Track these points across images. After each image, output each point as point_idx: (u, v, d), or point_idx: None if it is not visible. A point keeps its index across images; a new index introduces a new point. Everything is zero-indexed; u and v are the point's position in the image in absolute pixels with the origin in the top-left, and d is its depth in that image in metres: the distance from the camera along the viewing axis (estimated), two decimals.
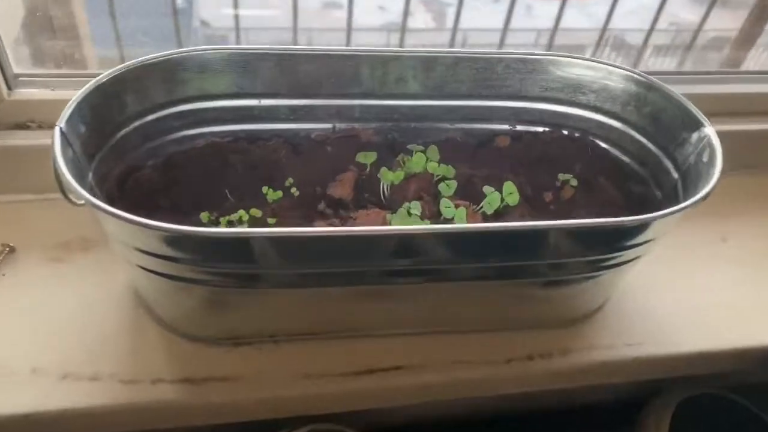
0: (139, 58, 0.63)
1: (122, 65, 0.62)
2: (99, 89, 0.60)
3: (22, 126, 0.77)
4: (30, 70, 0.79)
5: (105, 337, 0.66)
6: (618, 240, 0.58)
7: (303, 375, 0.65)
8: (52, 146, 0.54)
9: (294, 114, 0.73)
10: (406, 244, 0.54)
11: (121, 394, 0.62)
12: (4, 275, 0.70)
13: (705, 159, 0.64)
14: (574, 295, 0.68)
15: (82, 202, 0.51)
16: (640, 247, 0.60)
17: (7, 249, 0.71)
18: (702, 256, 0.83)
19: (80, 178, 0.58)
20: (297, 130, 0.74)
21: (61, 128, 0.56)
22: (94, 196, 0.60)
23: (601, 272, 0.63)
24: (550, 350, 0.70)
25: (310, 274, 0.57)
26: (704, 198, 0.57)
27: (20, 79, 0.78)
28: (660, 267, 0.78)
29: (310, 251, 0.54)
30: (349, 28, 0.84)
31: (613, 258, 0.61)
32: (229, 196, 0.69)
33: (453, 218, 0.65)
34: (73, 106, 0.58)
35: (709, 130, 0.65)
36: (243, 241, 0.52)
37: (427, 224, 0.64)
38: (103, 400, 0.62)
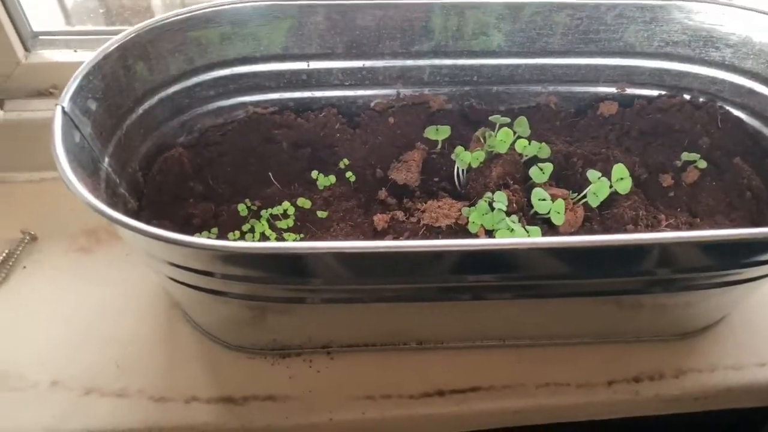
0: (159, 16, 0.51)
1: (139, 25, 0.50)
2: (110, 57, 0.49)
3: (43, 93, 0.68)
4: (49, 28, 0.68)
5: (134, 344, 0.57)
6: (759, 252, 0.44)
7: (362, 395, 0.55)
8: (51, 131, 0.44)
9: (350, 78, 0.60)
10: (493, 257, 0.42)
11: (150, 415, 0.53)
12: (24, 268, 0.62)
13: None
14: (691, 304, 0.54)
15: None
16: None
17: (28, 237, 0.62)
18: None
19: (91, 168, 0.48)
20: (353, 98, 0.61)
21: (63, 108, 0.45)
22: (111, 185, 0.50)
23: (728, 287, 0.49)
24: (660, 370, 0.57)
25: (370, 290, 0.46)
26: None
27: (40, 38, 0.68)
28: None
29: (369, 267, 0.42)
30: None
31: (747, 272, 0.47)
32: (273, 179, 0.57)
33: (548, 213, 0.52)
34: (78, 79, 0.47)
35: None
36: (282, 258, 0.40)
37: (512, 222, 0.50)
38: (130, 421, 0.53)
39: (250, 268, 0.42)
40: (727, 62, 0.59)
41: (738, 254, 0.44)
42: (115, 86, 0.50)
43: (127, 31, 0.50)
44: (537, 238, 0.45)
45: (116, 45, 0.49)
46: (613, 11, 0.56)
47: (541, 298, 0.49)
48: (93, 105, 0.48)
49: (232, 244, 0.39)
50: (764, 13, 0.55)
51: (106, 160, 0.51)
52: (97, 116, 0.49)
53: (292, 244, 0.44)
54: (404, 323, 0.54)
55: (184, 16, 0.51)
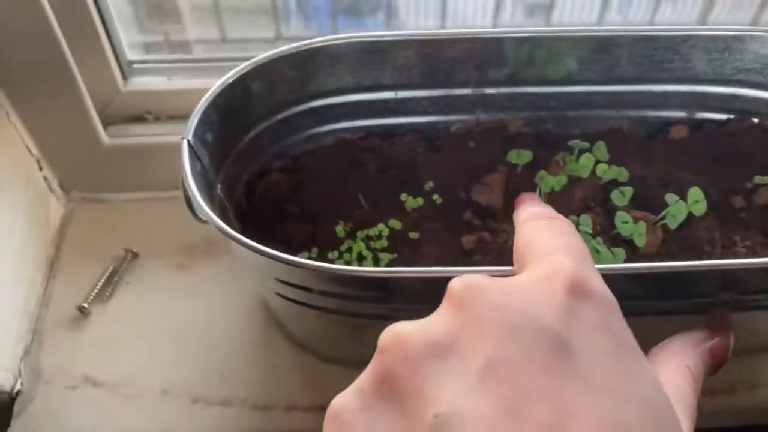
0: (267, 53, 0.55)
1: (250, 61, 0.54)
2: (225, 91, 0.53)
3: (138, 118, 0.72)
4: (144, 56, 0.73)
5: (236, 356, 0.61)
6: None
7: None
8: (180, 162, 0.48)
9: (433, 106, 0.64)
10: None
11: (254, 422, 0.57)
12: (128, 284, 0.66)
13: None
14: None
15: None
16: None
17: (131, 255, 0.67)
18: None
19: (209, 193, 0.52)
20: (434, 123, 0.65)
21: (188, 141, 0.49)
22: (223, 209, 0.54)
23: None
24: (734, 385, 0.60)
25: None
26: None
27: (135, 66, 0.73)
28: None
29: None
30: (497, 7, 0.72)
31: None
32: (363, 202, 0.61)
33: (631, 235, 0.55)
34: (199, 114, 0.51)
35: None
36: (397, 281, 0.44)
37: (598, 245, 0.54)
38: (236, 428, 0.57)
39: (349, 287, 0.46)
40: None
41: None
42: (227, 118, 0.54)
43: (240, 67, 0.54)
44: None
45: (231, 80, 0.54)
46: (688, 42, 0.59)
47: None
48: (210, 137, 0.53)
49: (343, 268, 0.44)
50: None
51: (219, 186, 0.55)
52: (213, 147, 0.53)
53: (396, 270, 0.48)
54: None
55: (290, 51, 0.55)
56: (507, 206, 0.61)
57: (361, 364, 0.58)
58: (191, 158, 0.49)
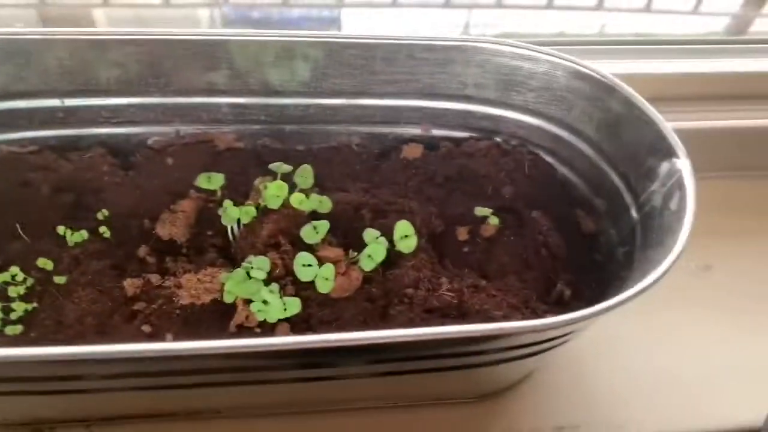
0: None
1: None
2: None
3: None
4: None
5: None
6: (521, 342, 0.40)
7: None
8: None
9: (118, 116, 0.53)
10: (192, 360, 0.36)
11: None
12: None
13: (672, 206, 0.45)
14: (485, 373, 0.50)
15: None
16: (560, 339, 0.42)
17: None
18: (676, 296, 0.62)
19: None
20: (126, 135, 0.55)
21: None
22: None
23: (510, 362, 0.45)
24: (463, 430, 0.54)
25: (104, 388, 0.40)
26: (642, 292, 0.38)
27: None
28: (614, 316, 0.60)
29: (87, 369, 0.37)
30: None
31: (520, 352, 0.43)
32: (21, 232, 0.50)
33: (314, 281, 0.47)
34: None
35: (683, 164, 0.45)
36: None
37: (270, 292, 0.45)
38: None
39: None
40: (530, 107, 0.55)
41: (506, 341, 0.40)
42: None
43: None
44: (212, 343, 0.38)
45: None
46: (403, 52, 0.51)
47: (303, 382, 0.44)
48: None
49: None
50: (559, 57, 0.51)
51: None
52: None
53: None
54: (164, 401, 0.49)
55: None
56: (193, 240, 0.52)
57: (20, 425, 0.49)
58: None
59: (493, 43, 0.51)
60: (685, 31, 0.78)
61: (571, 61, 0.51)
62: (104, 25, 0.66)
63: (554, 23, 0.75)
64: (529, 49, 0.51)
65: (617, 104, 0.50)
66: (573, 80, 0.52)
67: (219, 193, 0.53)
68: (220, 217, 0.52)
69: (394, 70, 0.53)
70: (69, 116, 0.52)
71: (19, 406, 0.48)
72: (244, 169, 0.56)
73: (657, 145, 0.48)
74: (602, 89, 0.51)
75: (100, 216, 0.52)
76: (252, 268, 0.46)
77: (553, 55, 0.51)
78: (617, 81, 0.50)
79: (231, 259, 0.50)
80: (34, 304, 0.46)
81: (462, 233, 0.54)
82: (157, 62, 0.51)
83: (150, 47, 0.49)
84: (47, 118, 0.52)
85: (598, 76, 0.50)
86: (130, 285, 0.47)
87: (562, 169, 0.57)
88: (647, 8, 0.75)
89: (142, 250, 0.50)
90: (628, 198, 0.51)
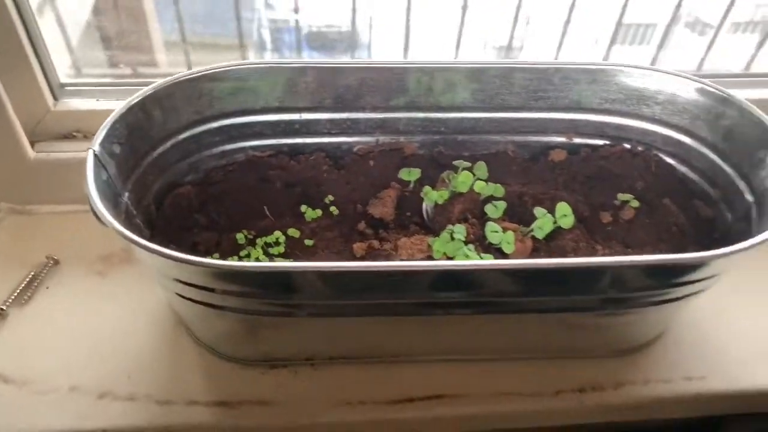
0: (173, 76, 0.61)
1: (156, 84, 0.60)
2: (133, 109, 0.59)
3: (67, 136, 0.77)
4: (75, 80, 0.79)
5: (143, 356, 0.65)
6: (675, 276, 0.53)
7: (341, 401, 0.63)
8: (84, 170, 0.53)
9: (336, 127, 0.70)
10: (447, 278, 0.51)
11: (156, 416, 0.61)
12: (47, 288, 0.70)
13: None
14: (629, 324, 0.63)
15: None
16: (702, 282, 0.55)
17: (51, 262, 0.71)
18: None
19: (114, 201, 0.57)
20: (339, 144, 0.71)
21: (94, 151, 0.54)
22: (129, 216, 0.59)
23: (657, 306, 0.58)
24: (602, 383, 0.65)
25: (349, 305, 0.54)
26: None
27: (66, 88, 0.78)
28: (730, 291, 0.71)
29: (346, 284, 0.51)
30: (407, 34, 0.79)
31: (670, 293, 0.55)
32: (267, 213, 0.67)
33: (500, 243, 0.61)
34: (107, 127, 0.57)
35: None
36: (277, 275, 0.49)
37: (469, 251, 0.60)
38: (138, 420, 0.61)
39: (245, 284, 0.51)
40: (657, 117, 0.69)
41: (661, 276, 0.53)
42: (135, 133, 0.60)
43: (149, 87, 0.60)
44: (485, 261, 0.53)
45: (139, 98, 0.59)
46: (559, 74, 0.67)
47: (495, 314, 0.57)
48: (117, 149, 0.58)
49: (229, 263, 0.48)
50: (683, 76, 0.66)
51: (126, 194, 0.60)
52: (120, 158, 0.58)
53: (277, 264, 0.53)
54: (379, 339, 0.62)
55: (197, 74, 0.61)
56: (397, 218, 0.67)
57: (256, 362, 0.63)
58: (96, 167, 0.54)
59: (629, 66, 0.66)
60: None
61: (691, 79, 0.65)
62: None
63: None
64: (657, 71, 0.66)
65: (731, 111, 0.64)
66: (693, 94, 0.66)
67: (412, 184, 0.69)
68: (415, 201, 0.67)
69: (549, 88, 0.68)
70: (302, 128, 0.69)
71: (252, 344, 0.63)
72: (425, 169, 0.71)
73: (766, 140, 0.61)
74: (718, 100, 0.64)
75: (326, 200, 0.68)
76: (454, 232, 0.61)
77: (677, 75, 0.66)
78: (731, 92, 0.64)
79: (428, 231, 0.65)
80: (290, 260, 0.62)
81: (605, 217, 0.68)
82: (369, 85, 0.67)
83: (369, 74, 0.66)
84: (287, 129, 0.69)
85: (714, 90, 0.64)
86: (358, 248, 0.63)
87: (682, 168, 0.70)
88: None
89: (361, 225, 0.66)
90: (741, 185, 0.64)
